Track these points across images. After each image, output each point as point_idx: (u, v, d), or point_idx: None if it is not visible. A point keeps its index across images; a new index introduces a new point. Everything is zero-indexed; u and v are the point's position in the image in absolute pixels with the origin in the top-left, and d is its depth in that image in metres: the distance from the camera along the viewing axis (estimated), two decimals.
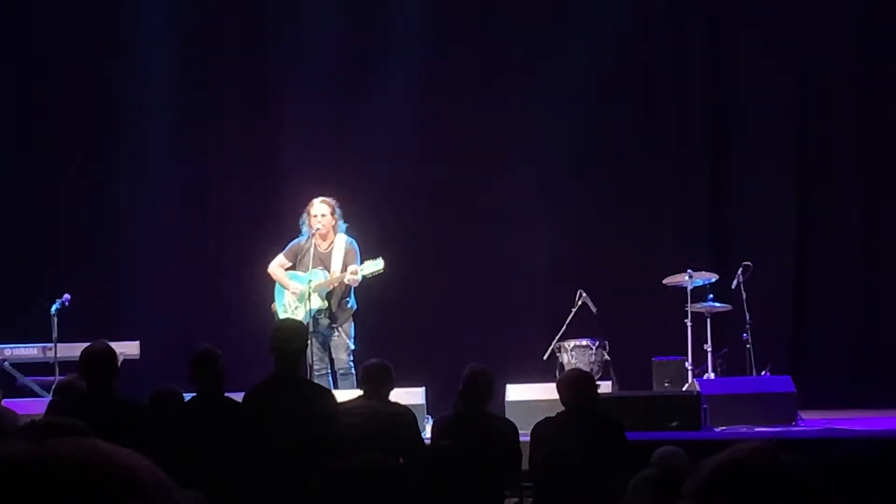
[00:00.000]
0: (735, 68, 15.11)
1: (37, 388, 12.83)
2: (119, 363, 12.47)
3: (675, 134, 15.11)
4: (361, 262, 11.92)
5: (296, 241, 12.23)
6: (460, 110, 15.21)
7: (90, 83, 15.43)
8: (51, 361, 12.75)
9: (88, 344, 8.31)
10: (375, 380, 8.88)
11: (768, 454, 2.28)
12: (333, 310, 12.04)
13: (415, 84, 15.28)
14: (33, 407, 10.01)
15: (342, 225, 12.18)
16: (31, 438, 1.57)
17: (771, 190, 14.86)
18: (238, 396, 8.39)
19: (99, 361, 7.98)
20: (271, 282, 12.35)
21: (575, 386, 8.59)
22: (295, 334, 8.54)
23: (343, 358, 12.01)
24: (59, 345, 12.66)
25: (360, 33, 15.45)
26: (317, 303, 11.93)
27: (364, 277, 11.85)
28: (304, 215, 12.15)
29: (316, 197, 12.19)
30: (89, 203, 15.33)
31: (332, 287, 12.00)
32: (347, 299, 12.13)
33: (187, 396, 8.58)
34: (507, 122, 15.17)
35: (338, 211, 12.17)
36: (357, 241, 12.17)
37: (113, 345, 12.54)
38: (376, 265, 11.76)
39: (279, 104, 15.39)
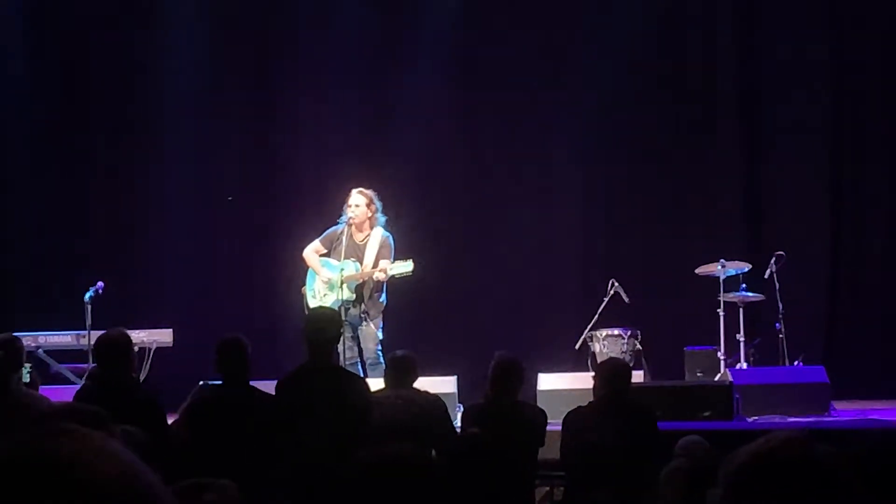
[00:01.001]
0: (769, 60, 15.03)
1: (70, 376, 12.89)
2: (151, 351, 12.75)
3: (709, 123, 15.06)
4: (394, 260, 11.93)
5: (332, 228, 12.25)
6: (492, 99, 15.19)
7: (124, 74, 15.47)
8: (84, 349, 12.80)
9: (103, 332, 8.32)
10: (399, 371, 8.91)
11: (801, 444, 2.27)
12: (365, 303, 12.05)
13: (446, 74, 15.26)
14: (66, 394, 10.04)
15: (381, 218, 12.16)
16: (48, 425, 1.56)
17: (804, 180, 14.80)
18: (270, 384, 8.41)
19: (112, 348, 7.98)
20: (304, 266, 12.37)
21: (613, 374, 8.58)
22: (329, 323, 8.53)
23: (371, 348, 12.01)
24: (92, 332, 12.70)
25: (390, 24, 15.43)
26: (347, 293, 11.95)
27: (392, 277, 11.86)
28: (344, 205, 12.18)
29: (355, 187, 12.23)
30: (122, 192, 15.38)
31: (361, 280, 12.00)
32: (379, 294, 12.12)
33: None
34: (539, 111, 15.15)
35: (376, 203, 12.15)
36: (394, 236, 12.17)
37: (146, 333, 12.74)
38: (406, 267, 11.74)
39: (307, 96, 15.38)
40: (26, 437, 1.53)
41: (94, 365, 10.42)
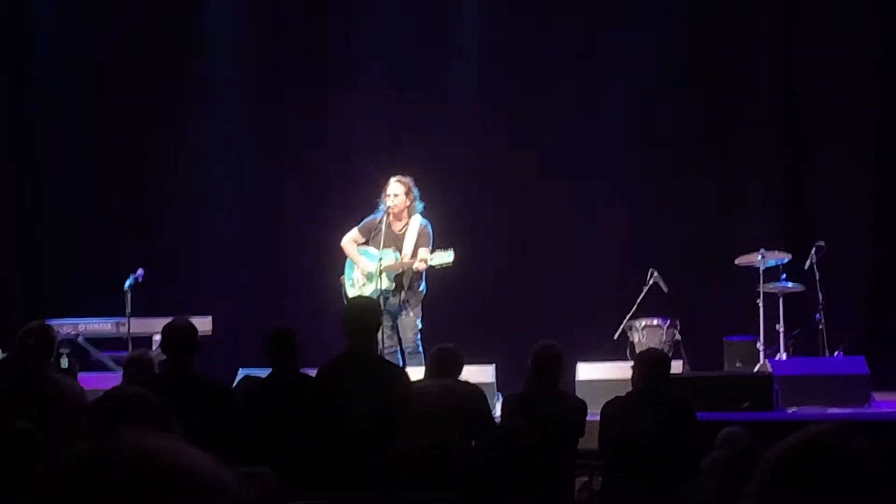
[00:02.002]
0: (813, 52, 14.94)
1: (110, 363, 12.97)
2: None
3: (749, 113, 14.98)
4: (433, 248, 11.86)
5: (371, 216, 12.20)
6: (530, 89, 15.16)
7: (166, 63, 15.51)
8: (124, 336, 12.88)
9: (171, 319, 8.34)
10: (444, 364, 8.90)
11: (840, 436, 2.26)
12: (405, 292, 12.00)
13: (482, 66, 15.23)
14: (106, 381, 10.10)
15: (419, 205, 12.13)
16: (105, 418, 1.59)
17: (845, 170, 14.71)
18: (310, 373, 8.45)
19: (181, 336, 8.02)
20: (343, 254, 12.36)
21: (651, 364, 8.56)
22: (369, 312, 8.54)
23: (410, 337, 11.98)
24: (132, 320, 12.79)
25: (425, 14, 15.40)
26: (386, 283, 11.92)
27: (432, 267, 11.80)
28: (382, 193, 12.14)
29: (394, 175, 12.20)
30: (161, 181, 15.42)
31: (401, 270, 11.96)
32: (419, 283, 12.08)
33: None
34: (579, 100, 15.11)
35: (414, 191, 12.11)
36: (432, 224, 12.13)
37: None
38: (446, 257, 11.60)
39: (346, 86, 15.38)
40: (118, 439, 1.57)
41: (131, 351, 10.49)
